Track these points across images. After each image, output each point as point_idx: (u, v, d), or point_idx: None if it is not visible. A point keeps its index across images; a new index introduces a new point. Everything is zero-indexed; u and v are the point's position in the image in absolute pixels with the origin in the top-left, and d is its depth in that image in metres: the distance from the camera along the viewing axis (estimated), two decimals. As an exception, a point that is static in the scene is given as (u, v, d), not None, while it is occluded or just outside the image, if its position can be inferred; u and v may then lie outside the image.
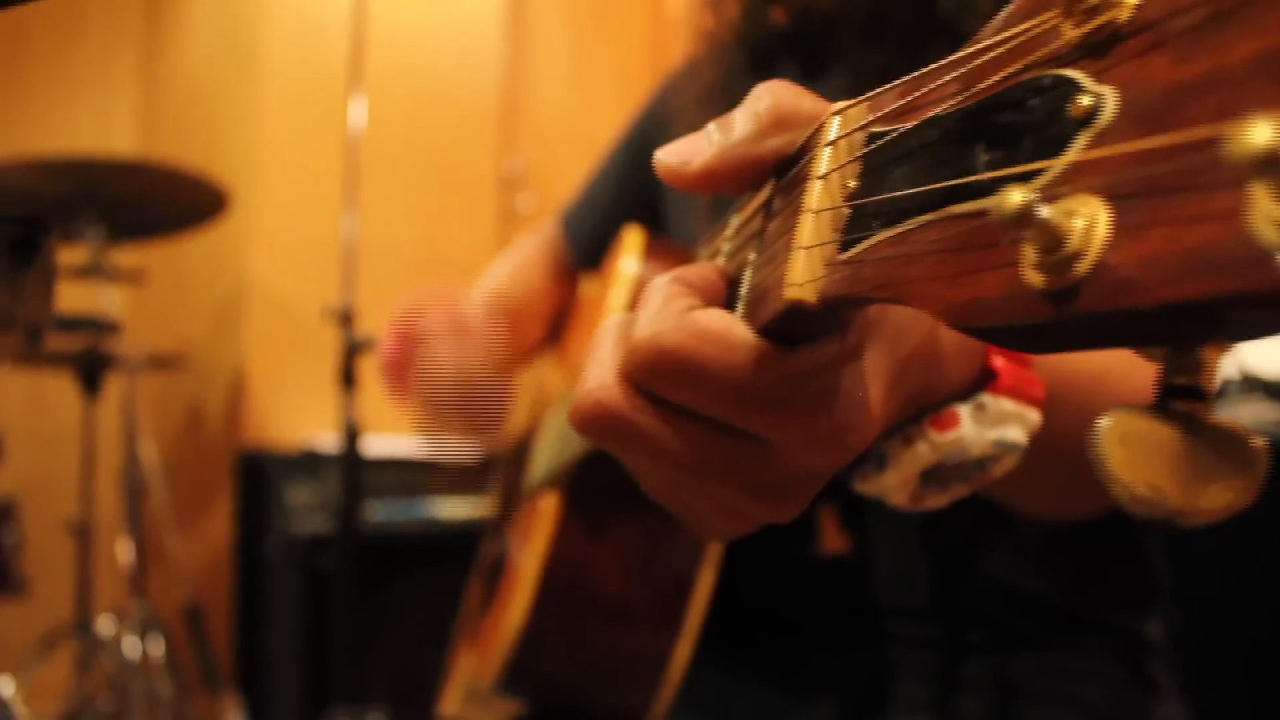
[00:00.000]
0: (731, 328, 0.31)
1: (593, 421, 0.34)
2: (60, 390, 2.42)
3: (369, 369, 1.81)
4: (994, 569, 0.74)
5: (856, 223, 0.28)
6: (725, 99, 0.94)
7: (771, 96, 0.33)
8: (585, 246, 1.10)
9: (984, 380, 0.41)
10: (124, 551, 2.07)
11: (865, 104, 0.30)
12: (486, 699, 0.84)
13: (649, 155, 1.07)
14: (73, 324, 1.87)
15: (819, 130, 0.31)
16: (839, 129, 0.30)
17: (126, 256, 2.37)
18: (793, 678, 0.78)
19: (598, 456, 0.62)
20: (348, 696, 1.74)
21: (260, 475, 2.16)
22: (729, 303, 0.35)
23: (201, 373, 2.57)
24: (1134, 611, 0.77)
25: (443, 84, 2.78)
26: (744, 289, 0.33)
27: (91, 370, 2.21)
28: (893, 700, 0.74)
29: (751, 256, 0.33)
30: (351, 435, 1.60)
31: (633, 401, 0.33)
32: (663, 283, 0.34)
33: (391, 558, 2.03)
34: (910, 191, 0.25)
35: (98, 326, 1.90)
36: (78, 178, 1.92)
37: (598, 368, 0.35)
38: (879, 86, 0.30)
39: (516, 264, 1.16)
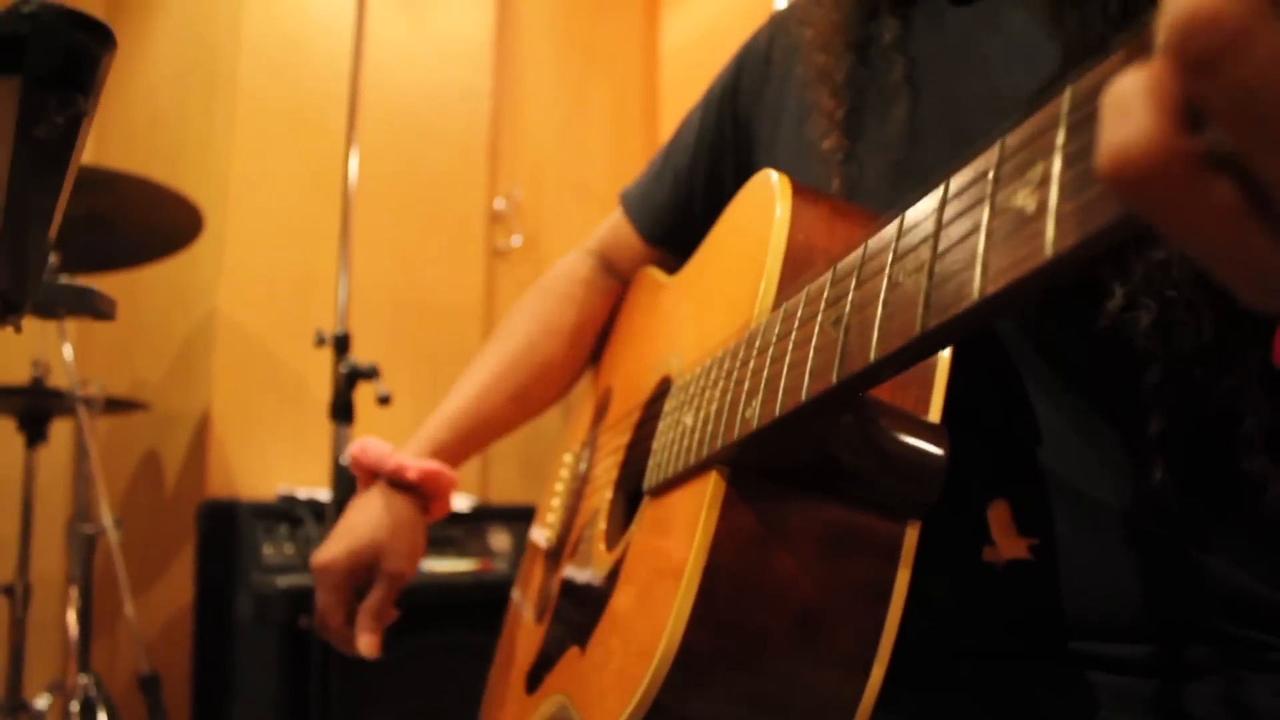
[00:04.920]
0: None
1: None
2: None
3: (364, 402, 1.65)
4: (1216, 570, 0.62)
5: None
6: (855, 35, 0.84)
7: None
8: (654, 218, 1.02)
9: None
10: (71, 617, 1.83)
11: None
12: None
13: (744, 96, 0.96)
14: (59, 295, 1.51)
15: None
16: None
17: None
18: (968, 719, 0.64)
19: (778, 426, 0.49)
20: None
21: (229, 526, 1.94)
22: None
23: (161, 416, 2.35)
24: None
25: (432, 119, 2.67)
26: None
27: (36, 414, 1.98)
28: (1101, 742, 0.61)
29: None
30: (349, 473, 1.42)
31: None
32: None
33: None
34: None
35: (91, 301, 1.55)
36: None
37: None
38: None
39: (516, 346, 1.03)
